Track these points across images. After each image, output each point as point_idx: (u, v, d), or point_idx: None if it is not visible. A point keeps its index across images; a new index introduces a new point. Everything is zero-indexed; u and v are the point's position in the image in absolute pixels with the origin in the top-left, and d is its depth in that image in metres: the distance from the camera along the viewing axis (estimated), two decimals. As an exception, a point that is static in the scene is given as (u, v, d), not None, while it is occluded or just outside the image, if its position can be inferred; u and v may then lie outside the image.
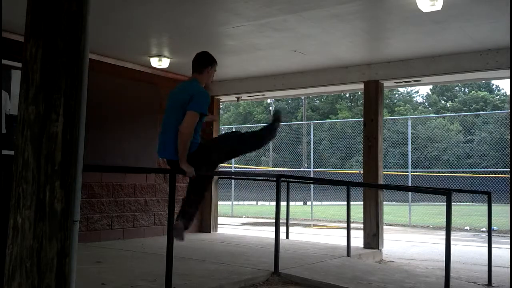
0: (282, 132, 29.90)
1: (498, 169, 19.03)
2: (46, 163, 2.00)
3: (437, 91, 42.47)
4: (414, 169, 21.05)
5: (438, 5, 4.80)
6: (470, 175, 20.75)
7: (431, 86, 41.45)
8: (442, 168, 24.99)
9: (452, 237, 4.57)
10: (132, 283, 4.31)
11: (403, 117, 29.56)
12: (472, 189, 16.38)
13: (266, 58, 7.21)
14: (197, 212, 4.53)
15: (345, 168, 26.18)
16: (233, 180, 18.23)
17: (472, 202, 20.82)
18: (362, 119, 7.57)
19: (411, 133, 18.02)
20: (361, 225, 7.48)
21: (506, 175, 16.66)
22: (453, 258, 4.84)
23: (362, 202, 7.34)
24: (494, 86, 42.22)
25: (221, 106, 9.52)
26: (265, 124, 4.69)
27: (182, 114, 4.09)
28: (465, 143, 28.74)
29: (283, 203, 6.47)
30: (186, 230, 4.25)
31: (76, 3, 2.11)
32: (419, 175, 20.37)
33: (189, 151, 4.10)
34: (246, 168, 23.78)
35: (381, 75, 7.25)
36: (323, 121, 32.84)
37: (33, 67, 2.04)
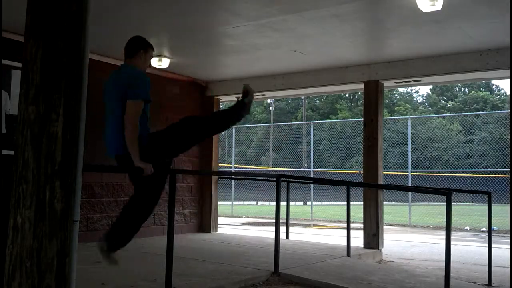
0: (282, 132, 29.96)
1: (498, 169, 19.03)
2: (46, 163, 1.99)
3: (437, 91, 42.49)
4: (414, 169, 21.04)
5: (438, 5, 4.79)
6: (470, 175, 20.75)
7: (431, 86, 41.49)
8: (442, 168, 24.99)
9: (452, 237, 4.57)
10: (132, 283, 4.31)
11: (403, 117, 29.57)
12: (472, 189, 16.37)
13: (266, 58, 7.21)
14: (135, 232, 3.81)
15: (345, 168, 26.19)
16: (233, 180, 18.22)
17: (472, 202, 20.81)
18: (362, 119, 7.57)
19: (411, 133, 18.01)
20: (361, 225, 7.47)
21: (506, 175, 16.66)
22: (453, 258, 4.83)
23: (362, 202, 7.34)
24: (494, 86, 42.26)
25: (221, 106, 9.51)
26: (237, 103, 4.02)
27: (122, 106, 3.57)
28: (465, 143, 28.75)
29: (283, 203, 6.47)
30: (112, 251, 3.71)
31: (76, 3, 2.11)
32: (419, 175, 20.37)
33: (139, 145, 3.57)
34: (246, 168, 23.78)
35: (381, 75, 7.25)
36: (323, 121, 32.85)
37: (33, 67, 2.04)
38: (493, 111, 32.29)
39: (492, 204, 5.72)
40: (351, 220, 6.56)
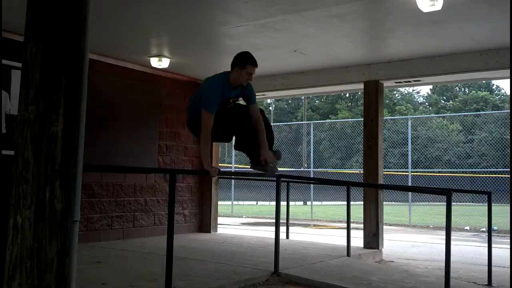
0: (282, 132, 29.95)
1: (498, 169, 19.01)
2: (46, 163, 1.99)
3: (437, 91, 42.49)
4: (414, 169, 21.04)
5: (438, 5, 4.80)
6: (470, 175, 20.75)
7: (431, 86, 41.49)
8: (442, 168, 24.98)
9: (452, 237, 4.57)
10: (132, 283, 4.31)
11: (403, 117, 29.56)
12: (472, 189, 16.37)
13: (266, 58, 7.20)
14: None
15: (345, 168, 26.17)
16: (233, 180, 18.23)
17: (472, 202, 20.81)
18: (362, 119, 7.57)
19: (411, 133, 18.01)
20: (361, 225, 7.47)
21: (506, 175, 16.65)
22: (453, 258, 4.83)
23: (362, 202, 7.34)
24: (494, 86, 42.24)
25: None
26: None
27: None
28: (465, 143, 28.73)
29: (283, 203, 6.47)
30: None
31: (76, 3, 2.11)
32: (419, 175, 20.37)
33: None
34: (246, 168, 23.78)
35: (381, 75, 7.25)
36: (323, 121, 32.84)
37: (33, 67, 2.04)
38: (493, 111, 32.29)
39: (492, 204, 5.72)
40: (351, 220, 6.56)
